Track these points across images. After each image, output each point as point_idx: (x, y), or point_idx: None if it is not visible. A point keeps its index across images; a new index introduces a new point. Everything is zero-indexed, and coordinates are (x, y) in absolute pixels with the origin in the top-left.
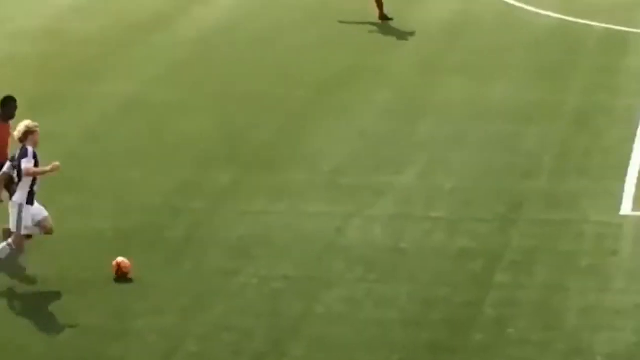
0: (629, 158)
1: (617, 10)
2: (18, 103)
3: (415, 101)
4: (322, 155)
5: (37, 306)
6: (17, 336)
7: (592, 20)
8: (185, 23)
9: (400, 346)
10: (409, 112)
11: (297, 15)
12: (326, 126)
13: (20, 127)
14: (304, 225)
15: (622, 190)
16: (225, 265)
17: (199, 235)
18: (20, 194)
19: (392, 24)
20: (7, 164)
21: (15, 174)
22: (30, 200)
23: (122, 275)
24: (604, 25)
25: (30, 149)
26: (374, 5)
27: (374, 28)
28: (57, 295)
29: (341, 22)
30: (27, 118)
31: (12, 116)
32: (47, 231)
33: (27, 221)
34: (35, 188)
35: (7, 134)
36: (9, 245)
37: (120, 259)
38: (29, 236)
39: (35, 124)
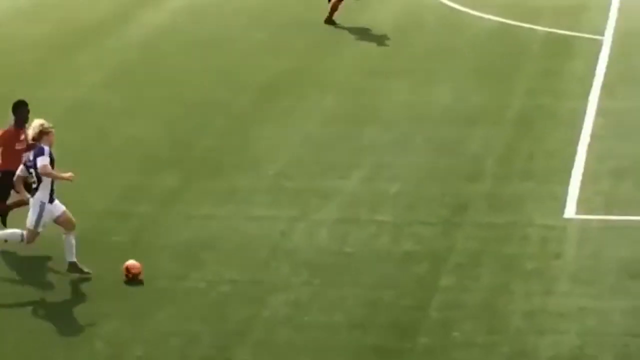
0: (572, 161)
1: (560, 14)
2: None
3: (359, 105)
4: (267, 160)
5: None
6: None
7: (536, 24)
8: (131, 27)
9: (346, 350)
10: (353, 116)
11: (243, 20)
12: (271, 130)
13: (34, 126)
14: (250, 230)
15: (565, 193)
16: (171, 269)
17: (145, 239)
18: (42, 193)
19: (336, 28)
20: (21, 167)
21: (33, 175)
22: (51, 199)
23: (133, 278)
24: (547, 29)
25: (46, 148)
26: (328, 7)
27: (319, 32)
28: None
29: (286, 26)
30: None
31: (25, 121)
32: (68, 226)
33: (45, 219)
34: (54, 186)
35: (16, 139)
36: (22, 235)
37: (129, 263)
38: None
39: (50, 124)
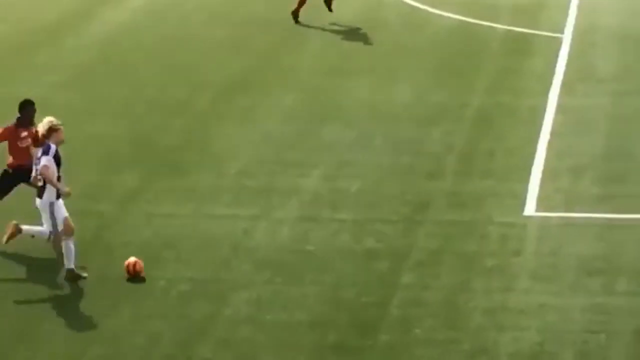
0: (532, 159)
1: (519, 12)
2: None
3: (320, 104)
4: (228, 158)
5: None
6: None
7: (496, 22)
8: (91, 25)
9: (307, 347)
10: (314, 114)
11: (203, 17)
12: (232, 129)
13: (44, 123)
14: (211, 228)
15: (525, 191)
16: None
17: (106, 238)
18: (49, 193)
19: (298, 26)
20: (34, 167)
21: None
22: (58, 196)
23: (136, 274)
24: (507, 27)
25: (53, 147)
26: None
27: (279, 30)
28: None
29: (246, 24)
30: None
31: (30, 121)
32: (67, 232)
33: (60, 215)
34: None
35: (17, 136)
36: (50, 234)
37: (132, 259)
38: (19, 231)
39: (59, 122)
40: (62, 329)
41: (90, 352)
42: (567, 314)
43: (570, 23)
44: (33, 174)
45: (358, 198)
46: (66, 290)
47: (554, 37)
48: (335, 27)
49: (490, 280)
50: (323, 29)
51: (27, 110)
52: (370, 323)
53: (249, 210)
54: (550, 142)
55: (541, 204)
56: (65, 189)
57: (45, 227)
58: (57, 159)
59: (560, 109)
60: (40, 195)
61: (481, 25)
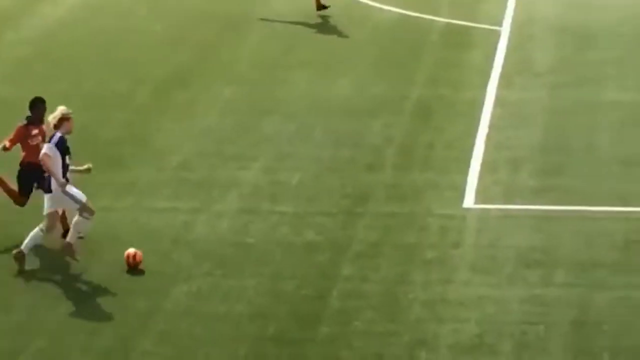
0: (471, 151)
1: (459, 5)
2: None
3: (260, 97)
4: (168, 152)
5: None
6: None
7: (435, 15)
8: (29, 20)
9: (248, 339)
10: (254, 107)
11: (142, 12)
12: (172, 122)
13: (56, 113)
14: (151, 221)
15: (464, 183)
16: (71, 261)
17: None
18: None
19: (236, 20)
20: None
21: None
22: (65, 179)
23: (135, 266)
24: (446, 20)
25: (57, 136)
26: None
27: (218, 24)
28: None
29: (185, 18)
30: None
31: (41, 118)
32: (51, 226)
33: (77, 194)
34: (68, 175)
35: (28, 135)
36: (84, 217)
37: (131, 250)
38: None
39: (70, 110)
40: (1, 324)
41: (32, 347)
42: (505, 305)
43: (508, 16)
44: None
45: (298, 191)
46: (6, 284)
47: (493, 30)
48: (275, 21)
49: (430, 272)
50: (263, 22)
51: (38, 108)
52: (310, 315)
53: (189, 204)
54: (488, 135)
55: (480, 196)
56: (60, 179)
57: (76, 218)
58: (64, 148)
59: (498, 101)
60: (46, 189)
61: (421, 18)
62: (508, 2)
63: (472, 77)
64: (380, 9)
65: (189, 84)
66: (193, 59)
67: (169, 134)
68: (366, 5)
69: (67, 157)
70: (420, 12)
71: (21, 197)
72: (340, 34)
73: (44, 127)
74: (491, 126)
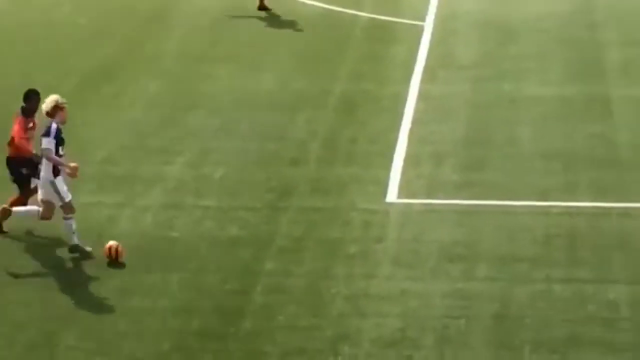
0: (394, 146)
1: (382, 0)
2: None
3: (185, 91)
4: (92, 146)
5: None
6: None
7: (359, 10)
8: None
9: (171, 334)
10: (178, 101)
11: (67, 6)
12: (96, 116)
13: (49, 101)
14: (75, 216)
15: (388, 177)
16: None
17: None
18: (46, 171)
19: (161, 14)
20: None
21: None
22: (56, 173)
23: (116, 258)
24: (370, 15)
25: (54, 126)
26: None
27: (144, 18)
28: None
29: (111, 11)
30: None
31: (34, 110)
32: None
33: (64, 191)
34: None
35: (24, 128)
36: (66, 218)
37: (112, 243)
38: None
39: (64, 100)
40: None
41: None
42: (428, 299)
43: (432, 11)
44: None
45: (222, 185)
46: None
47: (416, 25)
48: (200, 15)
49: (353, 267)
50: (188, 17)
51: (32, 100)
52: (234, 310)
53: (113, 198)
54: (412, 130)
55: (403, 191)
56: (70, 165)
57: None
58: (59, 139)
59: (421, 96)
60: (35, 175)
61: (345, 13)
62: None
63: (395, 72)
64: (304, 3)
65: (114, 78)
66: (118, 52)
67: (94, 127)
68: (291, 0)
69: (60, 148)
70: (344, 7)
71: (21, 196)
72: (264, 28)
73: (36, 119)
74: (414, 121)
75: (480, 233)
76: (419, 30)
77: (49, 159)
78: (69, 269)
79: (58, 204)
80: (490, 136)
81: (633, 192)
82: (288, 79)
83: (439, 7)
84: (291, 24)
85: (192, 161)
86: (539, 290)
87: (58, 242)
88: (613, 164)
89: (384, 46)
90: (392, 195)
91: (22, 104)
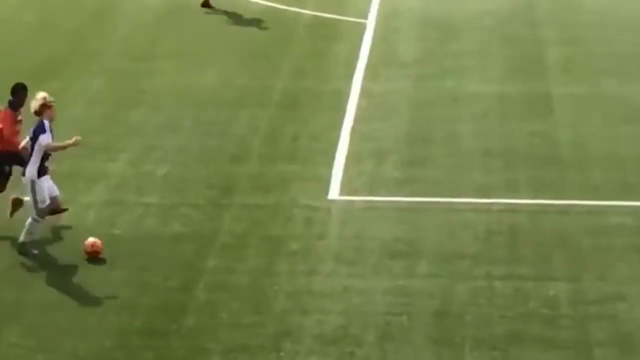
0: (336, 143)
1: None
2: None
3: (127, 88)
4: None
5: None
6: None
7: (302, 8)
8: None
9: (114, 331)
10: (121, 98)
11: (12, 1)
12: None
13: (37, 99)
14: (18, 213)
15: (330, 174)
16: None
17: None
18: (31, 169)
19: (104, 10)
20: (27, 140)
21: (28, 148)
22: (42, 173)
23: (94, 254)
24: (313, 12)
25: (47, 123)
26: None
27: (87, 14)
28: None
29: (54, 8)
30: None
31: (22, 104)
32: (55, 209)
33: (42, 194)
34: (47, 163)
35: (13, 122)
36: (34, 219)
37: (92, 239)
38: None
39: (52, 98)
40: None
41: None
42: (370, 296)
43: (374, 8)
44: (23, 143)
45: (164, 182)
46: None
47: (359, 23)
48: (143, 12)
49: (295, 264)
50: (131, 13)
51: (20, 93)
52: (176, 307)
53: None
54: (354, 127)
55: (345, 188)
56: (70, 141)
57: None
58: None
59: (364, 93)
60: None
61: (288, 10)
62: None
63: (338, 69)
64: (248, 0)
65: (58, 74)
66: (63, 48)
67: None
68: None
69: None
70: (287, 5)
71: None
72: (207, 25)
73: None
74: (356, 118)
75: (422, 230)
76: (362, 28)
77: (55, 148)
78: (9, 266)
79: (31, 204)
80: (431, 133)
81: (573, 190)
82: (231, 75)
83: (381, 5)
84: (235, 21)
85: (135, 158)
86: (480, 287)
87: (2, 240)
88: (553, 162)
89: (327, 44)
90: (334, 192)
91: (10, 97)
